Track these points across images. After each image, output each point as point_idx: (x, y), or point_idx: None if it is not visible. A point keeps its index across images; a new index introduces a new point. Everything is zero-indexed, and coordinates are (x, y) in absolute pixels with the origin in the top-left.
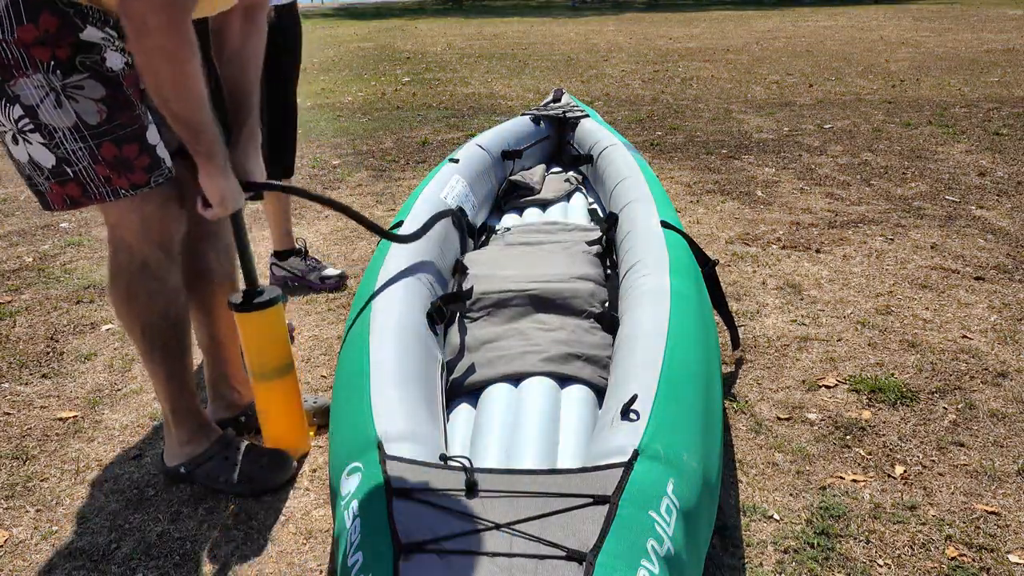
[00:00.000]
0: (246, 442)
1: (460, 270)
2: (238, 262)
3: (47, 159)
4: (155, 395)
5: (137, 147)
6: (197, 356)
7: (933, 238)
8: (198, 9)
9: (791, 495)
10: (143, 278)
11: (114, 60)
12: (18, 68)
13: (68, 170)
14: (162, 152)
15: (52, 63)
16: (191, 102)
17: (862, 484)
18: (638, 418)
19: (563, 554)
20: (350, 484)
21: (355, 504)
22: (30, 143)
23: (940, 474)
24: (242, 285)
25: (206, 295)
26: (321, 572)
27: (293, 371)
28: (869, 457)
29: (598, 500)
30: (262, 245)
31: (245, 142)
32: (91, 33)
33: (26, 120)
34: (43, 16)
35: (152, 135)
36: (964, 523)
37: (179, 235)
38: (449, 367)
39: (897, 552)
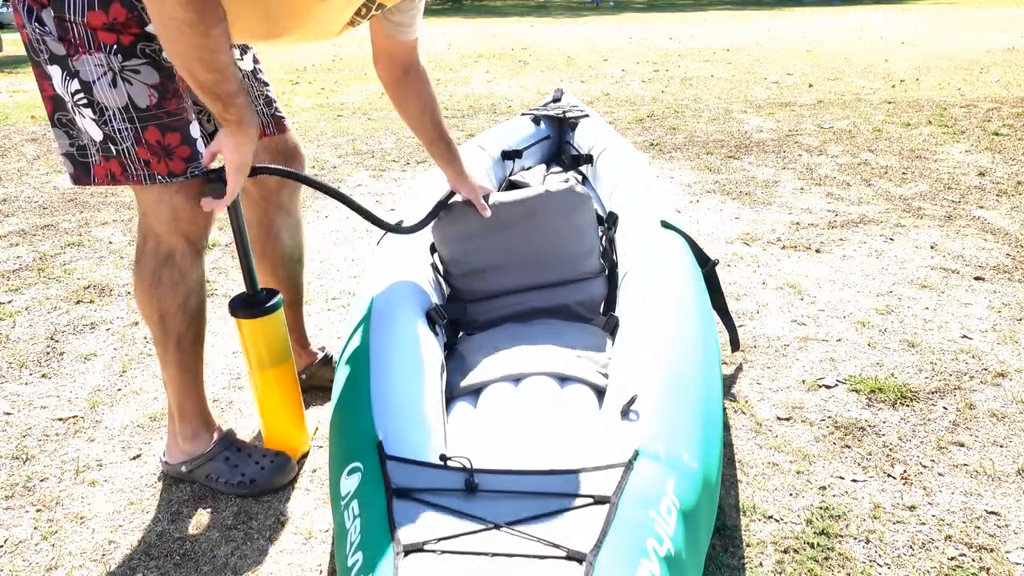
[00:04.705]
0: (248, 443)
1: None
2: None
3: (96, 134)
4: (160, 394)
5: (179, 137)
6: (208, 356)
7: (933, 238)
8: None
9: (791, 495)
10: (167, 268)
11: None
12: (82, 46)
13: (112, 148)
14: (202, 148)
15: (115, 46)
16: (216, 70)
17: (862, 484)
18: (638, 418)
19: (563, 554)
20: (350, 484)
21: (355, 504)
22: (83, 116)
23: (940, 474)
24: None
25: (275, 266)
26: (321, 572)
27: (291, 360)
28: (869, 457)
29: (598, 500)
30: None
31: (459, 175)
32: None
33: (81, 95)
34: (114, 6)
35: (195, 129)
36: (964, 523)
37: (207, 230)
38: (449, 367)
39: (897, 552)
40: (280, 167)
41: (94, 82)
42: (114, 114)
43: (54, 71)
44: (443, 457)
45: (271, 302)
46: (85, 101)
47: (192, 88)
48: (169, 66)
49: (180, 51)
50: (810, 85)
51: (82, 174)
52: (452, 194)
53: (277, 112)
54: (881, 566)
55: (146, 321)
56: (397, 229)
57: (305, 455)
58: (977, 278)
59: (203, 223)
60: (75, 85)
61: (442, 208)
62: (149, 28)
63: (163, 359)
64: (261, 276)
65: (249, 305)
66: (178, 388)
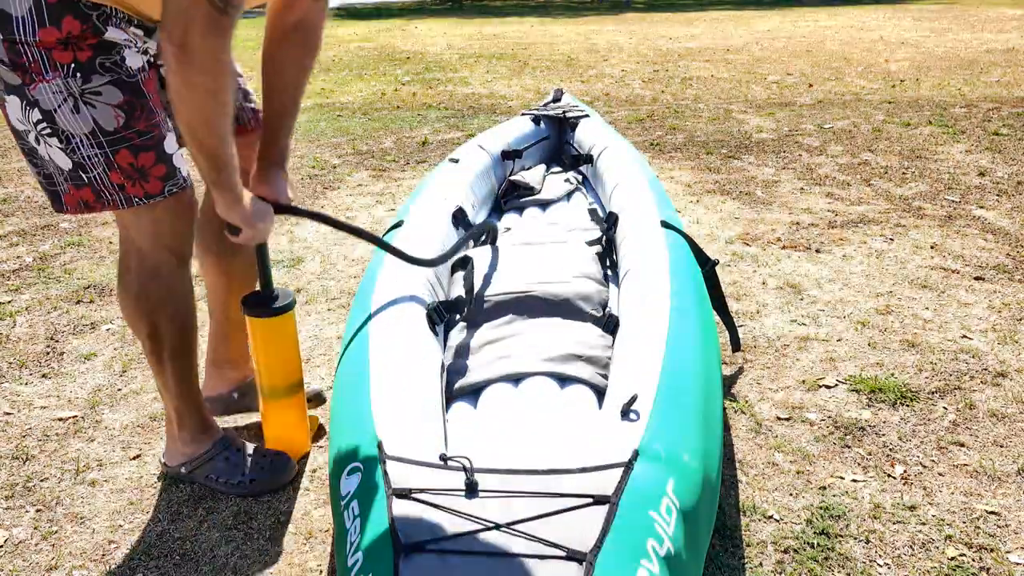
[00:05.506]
0: (248, 443)
1: (463, 266)
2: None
3: (64, 162)
4: (158, 395)
5: (154, 156)
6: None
7: (933, 238)
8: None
9: (791, 495)
10: (153, 283)
11: (134, 60)
12: (38, 72)
13: (83, 176)
14: (179, 162)
15: (72, 66)
16: (219, 136)
17: (862, 484)
18: (638, 418)
19: (563, 554)
20: (350, 484)
21: (355, 504)
22: (49, 145)
23: (940, 474)
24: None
25: (232, 271)
26: (321, 572)
27: (302, 389)
28: (869, 457)
29: (598, 500)
30: None
31: (271, 164)
32: (114, 34)
33: (44, 124)
34: (66, 20)
35: (170, 144)
36: (964, 523)
37: (191, 239)
38: (449, 367)
39: (897, 552)
40: (306, 209)
41: (55, 110)
42: (81, 141)
43: (12, 101)
44: (443, 457)
45: (283, 302)
46: (49, 130)
47: (190, 149)
48: (133, 81)
49: (190, 112)
50: (810, 85)
51: (54, 202)
52: (476, 233)
53: (255, 106)
54: (881, 566)
55: (136, 335)
56: (421, 262)
57: (305, 455)
58: (977, 278)
59: (187, 234)
60: (36, 115)
61: (465, 243)
62: (107, 36)
63: (156, 370)
64: (217, 284)
65: (260, 304)
66: (174, 397)
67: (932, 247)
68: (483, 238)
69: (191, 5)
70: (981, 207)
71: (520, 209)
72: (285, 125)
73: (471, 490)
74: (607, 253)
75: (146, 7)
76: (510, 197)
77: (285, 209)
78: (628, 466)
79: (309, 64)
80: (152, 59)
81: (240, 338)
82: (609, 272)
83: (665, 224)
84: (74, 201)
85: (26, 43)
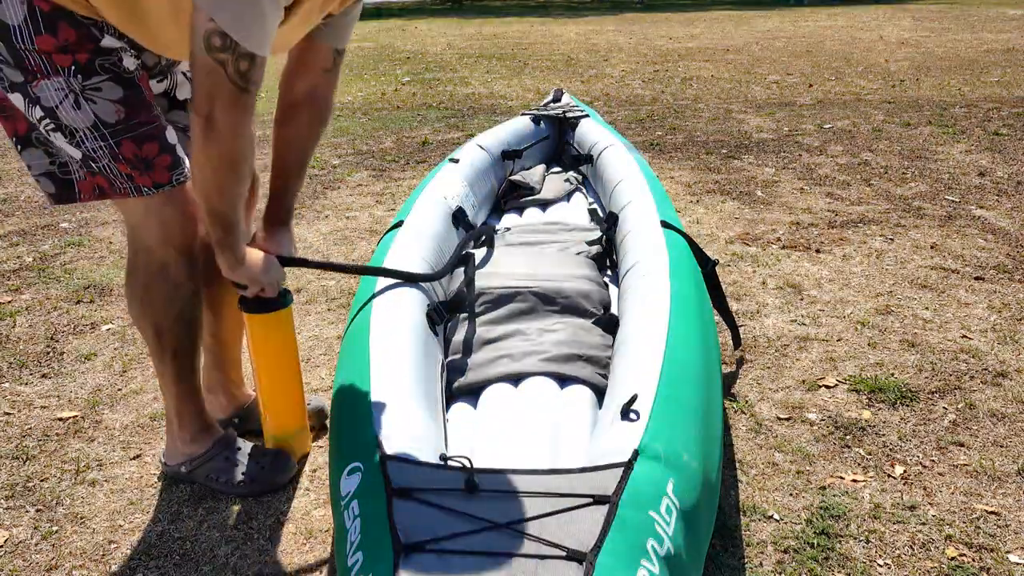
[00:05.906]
0: (248, 443)
1: (464, 264)
2: None
3: (75, 153)
4: (160, 394)
5: (157, 146)
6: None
7: (933, 238)
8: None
9: (791, 495)
10: (161, 281)
11: (129, 62)
12: (40, 72)
13: (94, 165)
14: (182, 152)
15: (73, 67)
16: (231, 202)
17: (862, 484)
18: (638, 418)
19: (563, 554)
20: (350, 484)
21: (355, 504)
22: (56, 138)
23: (940, 474)
24: None
25: (215, 294)
26: (321, 572)
27: (296, 359)
28: (869, 457)
29: (598, 500)
30: None
31: (276, 222)
32: (109, 41)
33: (47, 120)
34: (61, 28)
35: (171, 135)
36: (964, 523)
37: (199, 236)
38: (449, 367)
39: (897, 552)
40: (312, 260)
41: (57, 107)
42: (85, 134)
43: (16, 99)
44: (443, 457)
45: (280, 299)
46: (53, 126)
47: (201, 210)
48: (130, 76)
49: (206, 178)
50: (810, 85)
51: (65, 192)
52: (468, 241)
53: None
54: (881, 566)
55: (141, 334)
56: (424, 277)
57: (306, 456)
58: (977, 278)
59: (194, 231)
60: (38, 112)
61: (461, 251)
62: (104, 43)
63: (159, 369)
64: (205, 313)
65: (258, 301)
66: (175, 397)
67: (932, 247)
68: (481, 239)
69: (215, 83)
70: (981, 207)
71: (520, 209)
72: (292, 186)
73: (471, 490)
74: (607, 253)
75: (134, 32)
76: (510, 197)
77: (290, 261)
78: (628, 466)
79: (317, 132)
80: (142, 64)
81: (233, 359)
82: (609, 272)
83: (665, 224)
84: (89, 187)
85: (25, 49)
